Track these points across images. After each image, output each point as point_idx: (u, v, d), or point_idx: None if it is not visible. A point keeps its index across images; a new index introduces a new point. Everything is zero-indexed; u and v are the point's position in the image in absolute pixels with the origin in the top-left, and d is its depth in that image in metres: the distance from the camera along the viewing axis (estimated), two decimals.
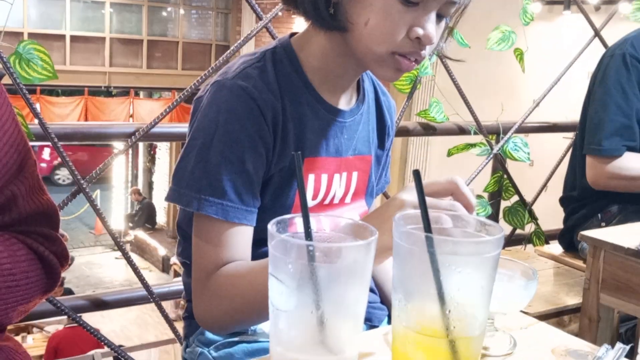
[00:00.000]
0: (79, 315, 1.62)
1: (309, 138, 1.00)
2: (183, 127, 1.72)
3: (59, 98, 11.73)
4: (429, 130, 2.20)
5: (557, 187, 2.24)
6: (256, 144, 0.94)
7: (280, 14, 1.76)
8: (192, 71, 11.48)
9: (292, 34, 1.04)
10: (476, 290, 0.63)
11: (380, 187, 1.20)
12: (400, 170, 8.31)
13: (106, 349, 1.93)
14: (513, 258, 0.86)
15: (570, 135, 2.35)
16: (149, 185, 14.96)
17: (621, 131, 1.83)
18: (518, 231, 2.45)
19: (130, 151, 5.89)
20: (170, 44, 11.82)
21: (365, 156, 1.10)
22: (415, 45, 0.91)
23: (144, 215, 13.19)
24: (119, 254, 10.12)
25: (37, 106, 1.58)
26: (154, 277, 10.87)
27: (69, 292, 7.52)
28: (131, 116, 11.44)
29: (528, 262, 1.01)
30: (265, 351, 0.87)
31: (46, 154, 15.08)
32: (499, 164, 2.36)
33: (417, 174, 0.70)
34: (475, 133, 2.24)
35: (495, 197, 2.42)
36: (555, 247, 2.23)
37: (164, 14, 12.04)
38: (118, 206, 14.00)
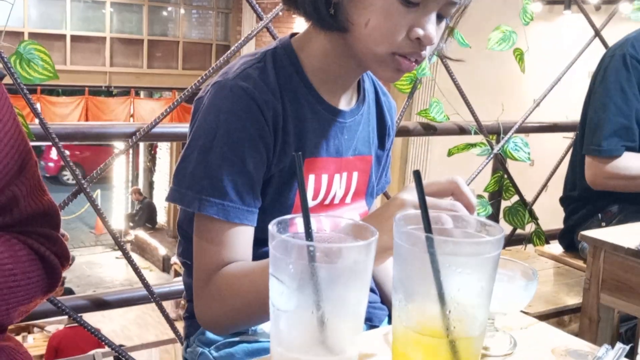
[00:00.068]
0: (79, 315, 1.62)
1: (310, 138, 1.00)
2: (184, 127, 1.72)
3: (60, 98, 11.73)
4: (429, 130, 2.20)
5: (557, 187, 2.24)
6: (257, 144, 0.94)
7: (280, 14, 1.76)
8: (192, 71, 11.49)
9: (293, 34, 1.05)
10: (476, 291, 0.63)
11: (380, 187, 1.20)
12: (401, 170, 8.31)
13: (107, 349, 1.94)
14: (513, 258, 0.86)
15: (571, 135, 2.35)
16: (150, 185, 14.97)
17: (620, 132, 1.83)
18: (518, 231, 2.45)
19: (130, 151, 5.87)
20: (171, 43, 11.82)
21: (366, 156, 1.10)
22: (415, 46, 0.91)
23: (144, 215, 13.20)
24: (119, 253, 10.12)
25: (38, 106, 1.57)
26: (155, 277, 10.88)
27: (69, 291, 7.52)
28: (132, 116, 11.44)
29: (528, 262, 1.02)
30: (266, 351, 0.88)
31: (54, 153, 15.11)
32: (500, 163, 2.36)
33: (417, 175, 0.70)
34: (475, 133, 2.24)
35: (495, 197, 2.42)
36: (555, 247, 2.23)
37: (165, 13, 12.04)
38: (119, 206, 14.01)
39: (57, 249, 0.91)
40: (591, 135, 1.88)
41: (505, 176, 2.38)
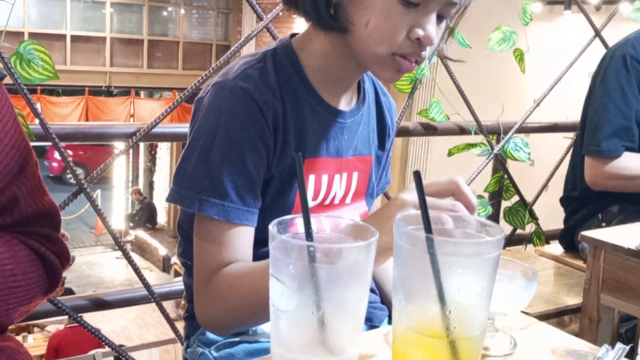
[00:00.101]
0: (79, 315, 1.62)
1: (310, 139, 1.00)
2: (184, 128, 1.72)
3: (60, 98, 11.73)
4: (429, 130, 2.20)
5: (557, 187, 2.24)
6: (257, 144, 0.94)
7: (280, 14, 1.76)
8: (192, 71, 11.49)
9: (293, 35, 1.05)
10: (476, 291, 0.63)
11: (380, 188, 1.20)
12: (401, 170, 8.31)
13: (107, 349, 1.94)
14: (513, 258, 0.86)
15: (571, 135, 2.35)
16: (150, 185, 14.97)
17: (620, 132, 1.83)
18: (518, 231, 2.45)
19: (131, 151, 5.88)
20: (171, 43, 11.82)
21: (366, 157, 1.10)
22: (415, 46, 0.91)
23: (144, 215, 13.20)
24: (119, 253, 10.12)
25: (38, 106, 1.58)
26: (155, 277, 10.88)
27: (69, 291, 7.53)
28: (132, 116, 11.44)
29: (528, 262, 1.02)
30: (266, 351, 0.88)
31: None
32: (500, 164, 2.36)
33: (417, 175, 0.70)
34: (475, 133, 2.24)
35: (495, 197, 2.42)
36: (555, 247, 2.23)
37: (165, 13, 12.04)
38: (119, 206, 14.02)
39: (58, 249, 0.91)
40: (591, 135, 1.88)
41: (506, 176, 2.39)
